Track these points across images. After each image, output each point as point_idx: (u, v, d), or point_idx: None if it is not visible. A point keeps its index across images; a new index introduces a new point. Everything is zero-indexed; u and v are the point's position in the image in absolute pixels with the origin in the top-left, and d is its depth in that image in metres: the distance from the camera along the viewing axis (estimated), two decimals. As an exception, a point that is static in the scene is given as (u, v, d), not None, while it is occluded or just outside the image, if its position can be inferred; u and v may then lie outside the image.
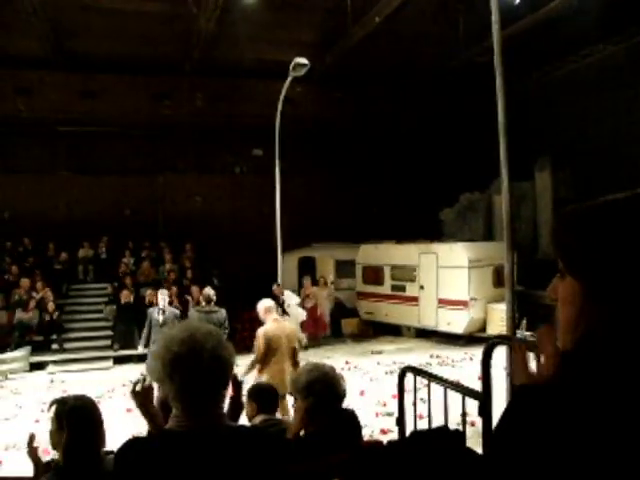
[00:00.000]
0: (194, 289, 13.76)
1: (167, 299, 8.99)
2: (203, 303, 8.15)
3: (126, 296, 13.63)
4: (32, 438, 2.72)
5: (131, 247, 16.85)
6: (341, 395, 3.04)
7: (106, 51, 15.70)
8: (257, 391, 3.93)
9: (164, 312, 8.60)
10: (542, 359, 1.06)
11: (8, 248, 16.17)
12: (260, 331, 6.42)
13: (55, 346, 13.36)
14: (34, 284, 14.28)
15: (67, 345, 13.45)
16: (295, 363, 6.27)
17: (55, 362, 12.77)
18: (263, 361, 6.28)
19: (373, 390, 9.21)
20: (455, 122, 18.61)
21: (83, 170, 17.75)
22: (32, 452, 2.73)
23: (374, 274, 15.91)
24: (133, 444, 1.75)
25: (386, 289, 15.55)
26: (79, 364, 12.74)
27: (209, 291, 8.20)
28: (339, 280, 17.16)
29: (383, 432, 6.72)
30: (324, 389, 2.93)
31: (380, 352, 13.22)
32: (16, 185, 16.95)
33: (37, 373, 12.25)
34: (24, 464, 3.08)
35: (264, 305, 6.66)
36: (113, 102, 16.85)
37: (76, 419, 2.40)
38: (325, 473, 2.44)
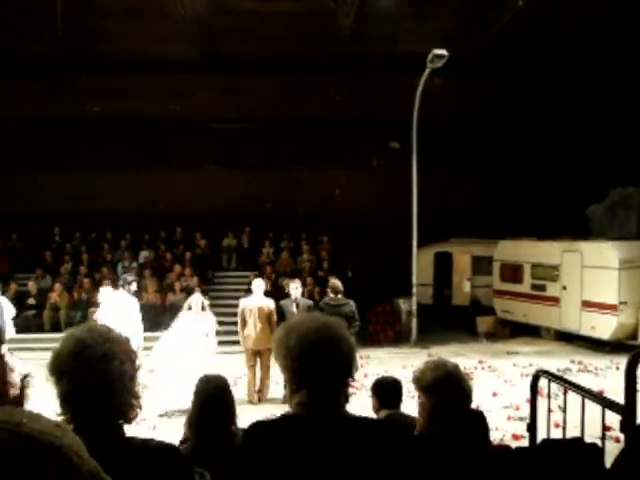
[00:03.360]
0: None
1: (300, 289, 8.79)
2: (331, 295, 8.18)
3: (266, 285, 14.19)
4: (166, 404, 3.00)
5: (271, 238, 17.62)
6: (466, 395, 2.97)
7: (249, 51, 16.51)
8: (378, 385, 3.96)
9: (298, 304, 8.47)
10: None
11: (162, 237, 17.72)
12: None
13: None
14: (184, 270, 15.49)
15: (211, 328, 14.37)
16: None
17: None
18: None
19: (506, 392, 8.87)
20: (607, 109, 17.23)
21: (228, 164, 18.83)
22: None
23: (513, 272, 15.25)
24: (259, 426, 1.88)
25: (525, 288, 14.84)
26: (221, 347, 13.57)
27: (336, 282, 8.20)
28: (475, 277, 16.71)
29: (515, 437, 6.46)
30: (448, 388, 2.88)
31: (516, 353, 12.67)
32: (170, 179, 18.39)
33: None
34: (174, 431, 3.38)
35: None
36: (256, 99, 17.70)
37: (211, 396, 2.60)
38: (447, 473, 2.42)
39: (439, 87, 16.43)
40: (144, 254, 16.62)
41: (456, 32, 15.15)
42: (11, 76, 16.99)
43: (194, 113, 17.79)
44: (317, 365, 1.83)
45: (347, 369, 1.91)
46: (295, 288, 8.61)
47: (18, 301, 13.93)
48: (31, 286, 14.45)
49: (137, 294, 9.56)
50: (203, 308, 8.22)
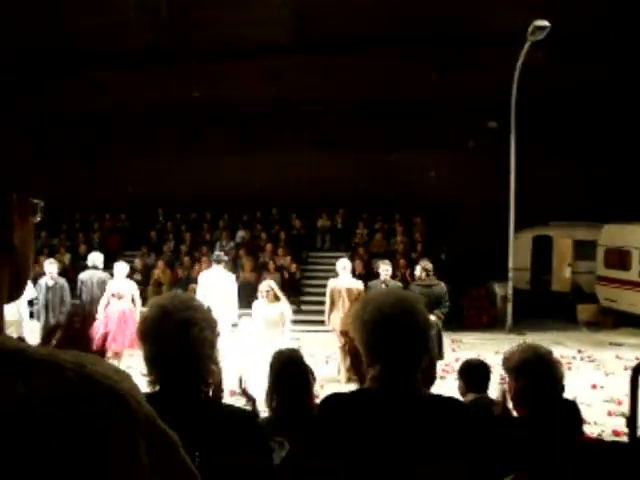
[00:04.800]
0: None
1: (390, 271, 8.70)
2: (423, 276, 8.12)
3: (358, 266, 14.26)
4: (240, 380, 3.11)
5: (365, 219, 17.64)
6: (555, 380, 2.84)
7: (343, 31, 16.41)
8: (465, 368, 3.88)
9: (387, 285, 8.35)
10: None
11: (259, 217, 18.24)
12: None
13: (293, 306, 14.70)
14: (276, 249, 15.87)
15: (304, 307, 14.65)
16: None
17: (292, 321, 14.03)
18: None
19: (608, 385, 8.39)
20: None
21: (323, 147, 18.92)
22: (244, 392, 3.09)
23: (619, 258, 14.33)
24: (333, 397, 1.91)
25: (632, 275, 13.91)
26: (313, 325, 13.81)
27: (427, 264, 8.15)
28: (577, 262, 15.91)
29: (616, 434, 6.07)
30: (535, 371, 2.77)
31: (620, 345, 11.92)
32: (266, 161, 18.79)
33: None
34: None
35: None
36: (350, 81, 17.60)
37: (284, 365, 2.69)
38: (527, 460, 2.34)
39: (541, 61, 15.56)
40: (241, 234, 17.18)
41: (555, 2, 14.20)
42: (117, 68, 17.95)
43: (289, 96, 17.99)
44: (391, 339, 1.83)
45: (423, 343, 1.88)
46: (385, 270, 8.58)
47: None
48: (137, 263, 15.37)
49: (233, 272, 9.94)
50: (277, 297, 7.60)
